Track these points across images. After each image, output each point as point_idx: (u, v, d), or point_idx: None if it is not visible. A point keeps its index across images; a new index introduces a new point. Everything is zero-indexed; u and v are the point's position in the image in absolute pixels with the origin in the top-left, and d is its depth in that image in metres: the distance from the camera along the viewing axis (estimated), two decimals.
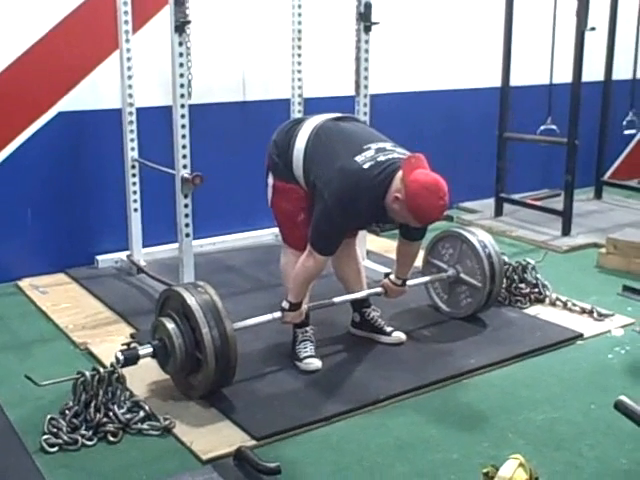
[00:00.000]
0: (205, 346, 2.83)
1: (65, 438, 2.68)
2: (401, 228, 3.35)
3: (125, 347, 3.07)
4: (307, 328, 3.36)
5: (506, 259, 4.02)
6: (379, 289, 3.54)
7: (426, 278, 3.87)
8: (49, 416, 2.75)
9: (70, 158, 4.50)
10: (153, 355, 2.99)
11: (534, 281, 4.11)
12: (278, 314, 3.24)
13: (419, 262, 3.74)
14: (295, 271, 3.18)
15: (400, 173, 2.97)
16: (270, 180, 3.31)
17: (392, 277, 3.53)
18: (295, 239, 3.27)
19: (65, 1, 4.32)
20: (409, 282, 3.59)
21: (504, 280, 3.92)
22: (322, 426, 2.86)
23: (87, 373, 2.78)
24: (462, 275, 3.79)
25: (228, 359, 2.87)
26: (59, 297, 4.14)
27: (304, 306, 3.27)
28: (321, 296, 3.44)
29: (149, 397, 3.00)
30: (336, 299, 3.46)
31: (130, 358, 2.93)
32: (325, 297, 3.45)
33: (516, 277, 4.08)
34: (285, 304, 3.22)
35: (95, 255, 4.60)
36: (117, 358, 2.89)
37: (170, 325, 2.94)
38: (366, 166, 3.00)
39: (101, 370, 2.82)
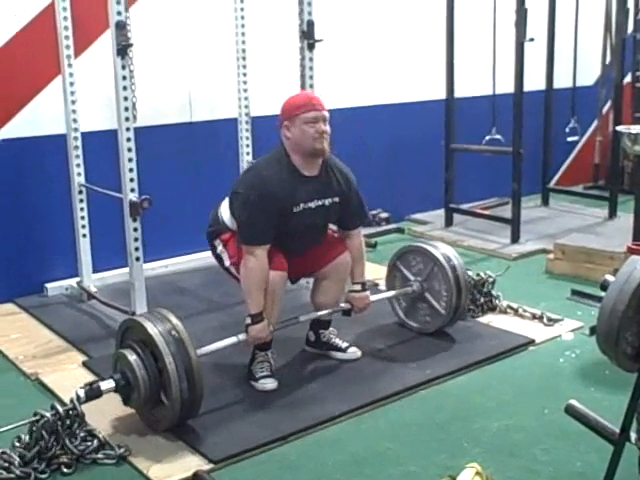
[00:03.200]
0: (170, 377, 2.76)
1: (17, 472, 2.62)
2: (338, 220, 3.38)
3: (87, 385, 2.90)
4: (267, 351, 3.33)
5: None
6: (346, 305, 3.50)
7: (391, 293, 3.86)
8: (1, 450, 2.69)
9: (15, 185, 4.43)
10: (115, 390, 2.88)
11: (486, 290, 4.16)
12: (243, 336, 3.19)
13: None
14: (243, 281, 3.16)
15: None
16: (219, 247, 3.34)
17: (351, 287, 3.50)
18: None
19: (5, 27, 4.27)
20: (374, 297, 3.59)
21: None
22: (279, 445, 2.85)
23: (48, 414, 2.68)
24: (427, 295, 3.78)
25: (194, 389, 2.81)
26: (8, 327, 4.06)
27: (270, 328, 3.21)
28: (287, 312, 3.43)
29: (103, 425, 2.95)
30: (302, 317, 3.43)
31: (91, 394, 2.82)
32: (284, 314, 3.43)
33: (476, 291, 4.12)
34: (247, 319, 3.17)
35: (44, 283, 4.52)
36: (77, 395, 2.79)
37: (132, 357, 2.84)
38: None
39: (60, 410, 2.72)
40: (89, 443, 2.76)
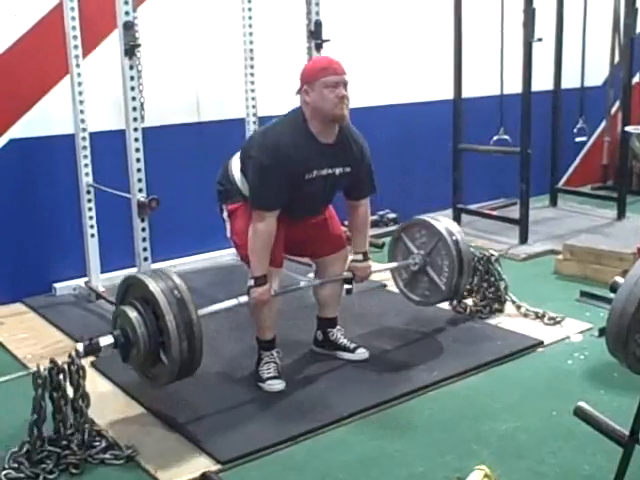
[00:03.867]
0: (170, 336, 2.75)
1: (27, 472, 2.62)
2: (347, 188, 3.37)
3: (87, 340, 2.90)
4: (273, 351, 3.34)
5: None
6: (348, 273, 3.47)
7: (393, 264, 3.87)
8: (10, 450, 2.69)
9: (23, 185, 4.44)
10: (115, 345, 2.87)
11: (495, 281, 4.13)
12: (244, 298, 3.18)
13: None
14: (249, 243, 3.14)
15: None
16: (224, 213, 3.34)
17: (352, 257, 3.49)
18: None
19: (13, 27, 4.28)
20: (377, 267, 3.57)
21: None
22: (287, 446, 2.85)
23: (42, 367, 2.67)
24: (429, 269, 3.79)
25: (193, 348, 2.80)
26: (16, 327, 4.08)
27: (272, 292, 3.19)
28: (286, 313, 3.43)
29: (110, 425, 2.95)
30: (302, 283, 3.45)
31: (90, 349, 2.81)
32: (291, 314, 3.44)
33: (481, 268, 4.09)
34: (250, 281, 3.16)
35: (52, 283, 4.53)
36: (76, 350, 2.78)
37: (132, 314, 2.82)
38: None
39: (59, 362, 2.70)
40: (97, 443, 2.77)
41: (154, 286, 2.81)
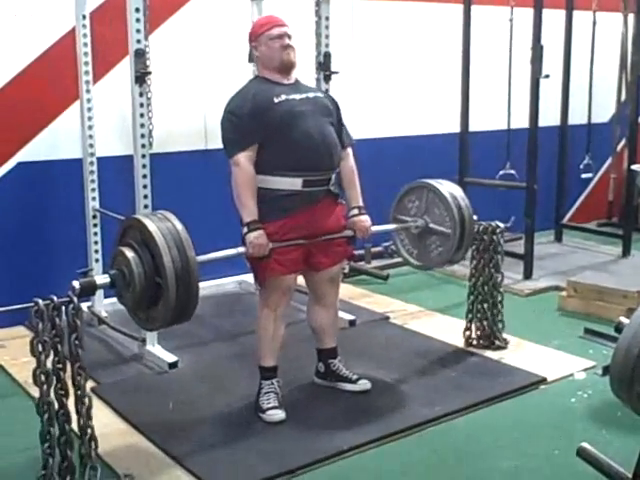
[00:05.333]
0: (166, 273, 2.70)
1: None
2: None
3: (82, 275, 2.86)
4: (273, 380, 3.32)
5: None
6: (348, 232, 3.40)
7: (392, 226, 3.84)
8: None
9: (30, 208, 4.45)
10: (111, 285, 2.83)
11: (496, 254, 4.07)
12: (242, 248, 3.16)
13: None
14: (234, 192, 3.17)
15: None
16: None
17: (349, 213, 3.44)
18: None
19: (26, 51, 4.32)
20: (376, 228, 3.55)
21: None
22: (287, 479, 2.82)
23: (40, 301, 2.64)
24: (431, 225, 3.76)
25: (189, 288, 2.76)
26: (18, 351, 4.04)
27: (270, 245, 3.12)
28: (288, 344, 3.41)
29: (109, 453, 2.92)
30: (304, 241, 3.25)
31: (86, 286, 2.76)
32: (292, 345, 3.42)
33: (486, 237, 4.03)
34: (244, 229, 3.13)
35: None
36: (73, 287, 2.73)
37: (130, 254, 2.77)
38: None
39: (55, 299, 2.65)
40: (93, 471, 2.73)
41: (152, 226, 2.77)
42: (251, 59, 3.38)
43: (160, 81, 4.17)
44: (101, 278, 2.84)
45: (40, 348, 2.63)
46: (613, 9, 6.52)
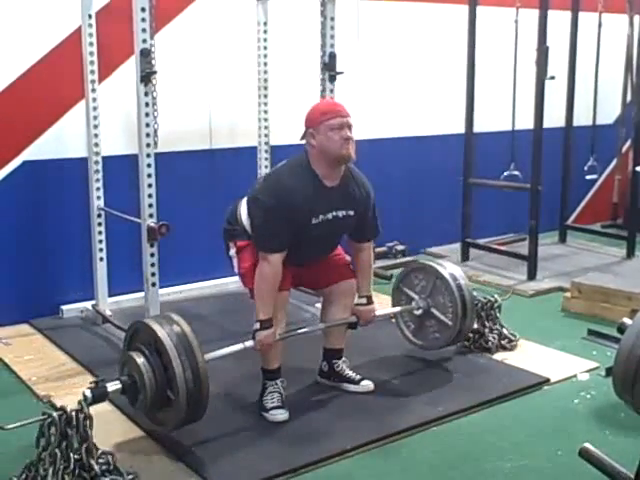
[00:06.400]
0: (177, 382, 2.76)
1: None
2: (351, 231, 3.38)
3: (93, 385, 2.91)
4: (277, 380, 3.33)
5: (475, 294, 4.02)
6: (352, 317, 3.49)
7: (397, 309, 3.89)
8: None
9: (35, 207, 4.47)
10: (122, 391, 2.89)
11: (500, 329, 4.12)
12: (250, 343, 3.19)
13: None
14: (256, 285, 3.16)
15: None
16: (232, 250, 3.36)
17: (357, 300, 3.50)
18: None
19: (31, 50, 4.33)
20: (379, 312, 3.58)
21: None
22: (288, 478, 2.83)
23: (54, 414, 2.64)
24: (433, 310, 3.80)
25: (200, 394, 2.81)
26: (22, 349, 4.08)
27: (277, 336, 3.20)
28: (291, 343, 3.42)
29: (112, 450, 2.92)
30: (308, 328, 3.45)
31: (98, 395, 2.81)
32: (296, 344, 3.42)
33: (483, 314, 4.08)
34: (256, 325, 3.16)
35: (60, 305, 4.54)
36: (85, 396, 2.78)
37: (140, 360, 2.85)
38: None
39: (68, 409, 2.67)
40: (97, 467, 2.72)
41: (161, 331, 2.84)
42: (303, 138, 3.23)
43: (165, 81, 4.17)
44: (112, 385, 2.88)
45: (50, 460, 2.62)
46: (619, 10, 6.53)
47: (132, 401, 2.94)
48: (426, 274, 3.84)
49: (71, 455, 2.62)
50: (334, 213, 3.22)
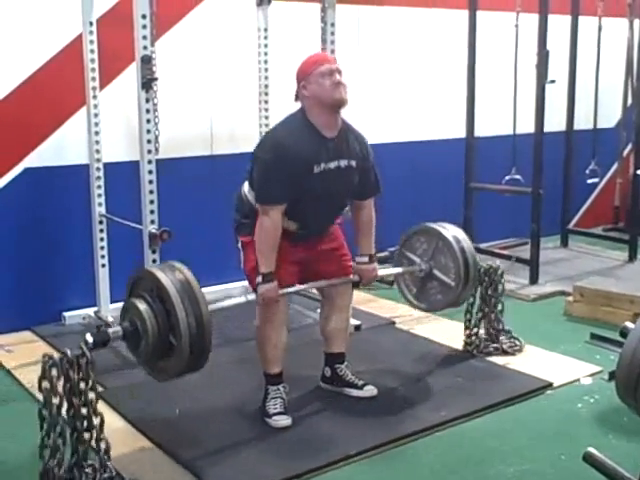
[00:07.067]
0: (180, 327, 2.70)
1: None
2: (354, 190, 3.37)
3: (95, 329, 2.86)
4: (279, 386, 3.32)
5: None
6: (355, 277, 3.45)
7: (399, 269, 3.86)
8: None
9: (37, 214, 4.47)
10: (123, 337, 2.83)
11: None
12: (252, 296, 3.18)
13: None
14: (257, 240, 3.15)
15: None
16: (238, 243, 3.35)
17: (358, 259, 3.47)
18: None
19: (33, 58, 4.34)
20: (382, 272, 3.55)
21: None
22: None
23: (55, 355, 2.63)
24: (435, 271, 3.78)
25: (203, 340, 2.76)
26: (25, 355, 4.07)
27: (280, 291, 3.16)
28: (294, 348, 3.42)
29: (116, 457, 2.91)
30: (308, 285, 3.37)
31: (100, 339, 2.76)
32: (299, 349, 3.42)
33: (486, 279, 4.07)
34: (259, 278, 3.14)
35: (62, 312, 4.54)
36: (86, 340, 2.73)
37: (142, 306, 2.78)
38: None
39: (68, 352, 2.64)
40: (100, 475, 2.74)
41: (164, 278, 2.77)
42: (297, 98, 3.26)
43: (166, 87, 4.18)
44: (113, 330, 2.84)
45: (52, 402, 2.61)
46: (619, 14, 6.52)
47: (134, 348, 2.85)
48: (428, 236, 3.81)
49: (73, 399, 2.61)
50: (336, 163, 3.21)
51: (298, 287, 3.33)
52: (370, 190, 3.43)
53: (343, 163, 3.24)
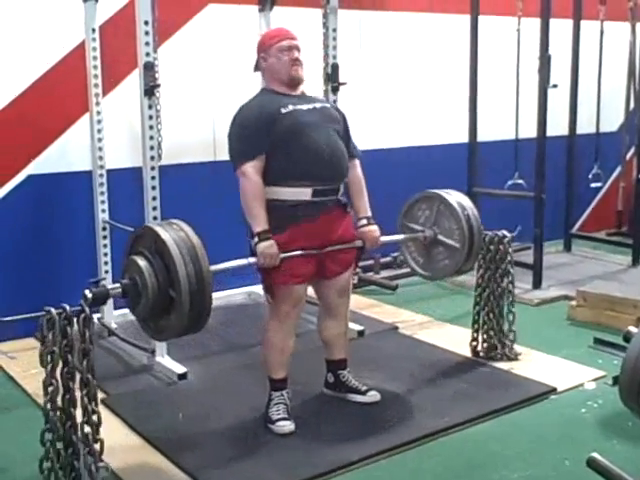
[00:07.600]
0: (180, 285, 2.65)
1: None
2: None
3: (93, 284, 2.81)
4: (283, 392, 3.32)
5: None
6: (358, 242, 3.39)
7: (401, 236, 3.82)
8: None
9: (40, 220, 4.48)
10: (123, 294, 2.78)
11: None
12: (253, 259, 3.14)
13: None
14: (242, 202, 3.14)
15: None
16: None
17: (357, 223, 3.43)
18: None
19: (36, 65, 4.36)
20: (385, 238, 3.53)
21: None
22: None
23: (53, 310, 2.62)
24: (439, 236, 3.74)
25: (203, 296, 2.72)
26: (28, 362, 4.06)
27: (281, 255, 3.10)
28: (297, 354, 3.41)
29: (118, 464, 2.93)
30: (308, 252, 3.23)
31: (99, 295, 2.73)
32: (302, 355, 3.42)
33: (492, 247, 4.02)
34: (254, 239, 3.11)
35: None
36: (85, 296, 2.69)
37: (142, 262, 2.73)
38: None
39: (67, 308, 2.63)
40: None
41: (164, 233, 2.74)
42: (257, 68, 3.37)
43: (169, 93, 4.19)
44: (113, 286, 2.81)
45: (49, 359, 2.60)
46: (621, 18, 6.53)
47: (133, 305, 2.81)
48: (428, 202, 3.78)
49: (69, 357, 2.61)
50: (309, 105, 3.25)
51: (296, 252, 3.18)
52: (353, 149, 3.43)
53: (318, 105, 3.31)
